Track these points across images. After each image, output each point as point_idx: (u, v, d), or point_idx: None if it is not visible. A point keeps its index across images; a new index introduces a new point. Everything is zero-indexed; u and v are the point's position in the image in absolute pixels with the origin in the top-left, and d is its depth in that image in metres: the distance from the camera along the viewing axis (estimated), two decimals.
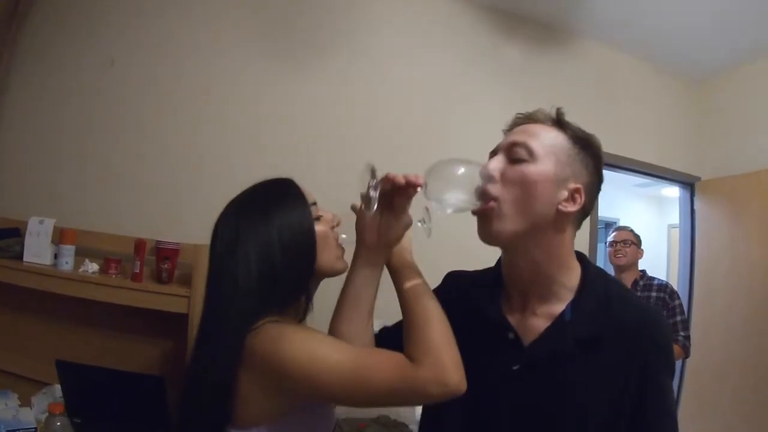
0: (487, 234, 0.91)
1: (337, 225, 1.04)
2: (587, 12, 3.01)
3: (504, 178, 0.90)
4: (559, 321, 0.90)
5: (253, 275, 0.91)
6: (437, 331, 0.85)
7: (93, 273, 1.87)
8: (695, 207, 3.73)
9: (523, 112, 0.99)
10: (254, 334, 0.86)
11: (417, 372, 0.80)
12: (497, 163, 0.92)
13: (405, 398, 0.84)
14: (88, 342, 1.94)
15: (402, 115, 2.67)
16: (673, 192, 5.81)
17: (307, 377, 0.83)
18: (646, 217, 6.27)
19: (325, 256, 0.99)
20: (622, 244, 2.95)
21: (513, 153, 0.91)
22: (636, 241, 3.00)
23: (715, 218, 3.58)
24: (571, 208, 0.89)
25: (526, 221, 0.88)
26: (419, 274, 0.96)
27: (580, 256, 0.99)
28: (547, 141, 0.91)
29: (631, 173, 3.57)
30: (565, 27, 3.16)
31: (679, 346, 2.60)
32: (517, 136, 0.93)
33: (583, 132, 0.95)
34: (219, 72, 2.31)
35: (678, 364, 3.32)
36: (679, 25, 3.07)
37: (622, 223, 4.94)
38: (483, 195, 0.88)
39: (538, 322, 0.92)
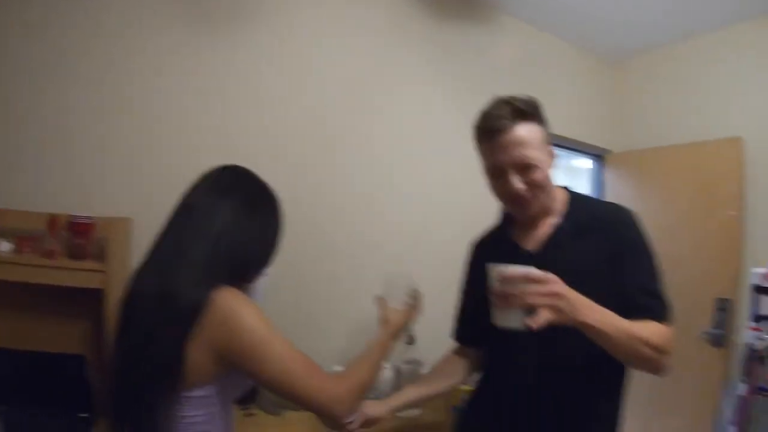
0: (525, 214, 1.34)
1: None
2: None
3: (527, 189, 1.26)
4: (555, 227, 1.31)
5: (240, 246, 1.07)
6: (367, 373, 1.15)
7: (5, 252, 1.79)
8: (605, 178, 4.00)
9: (498, 107, 1.29)
10: (220, 290, 0.97)
11: (334, 385, 1.04)
12: (519, 184, 1.25)
13: (317, 401, 1.02)
14: (3, 324, 1.86)
15: (322, 90, 2.58)
16: (583, 163, 6.17)
17: (257, 350, 0.97)
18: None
19: None
20: None
21: (523, 168, 1.23)
22: None
23: (623, 188, 3.85)
24: (554, 162, 1.32)
25: (545, 196, 1.30)
26: (391, 337, 1.31)
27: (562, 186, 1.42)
28: (538, 143, 1.25)
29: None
30: (489, 2, 3.20)
31: None
32: (517, 151, 1.22)
33: (535, 105, 1.31)
34: (130, 40, 2.12)
35: None
36: (597, 7, 3.21)
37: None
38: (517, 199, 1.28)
39: (542, 233, 1.34)
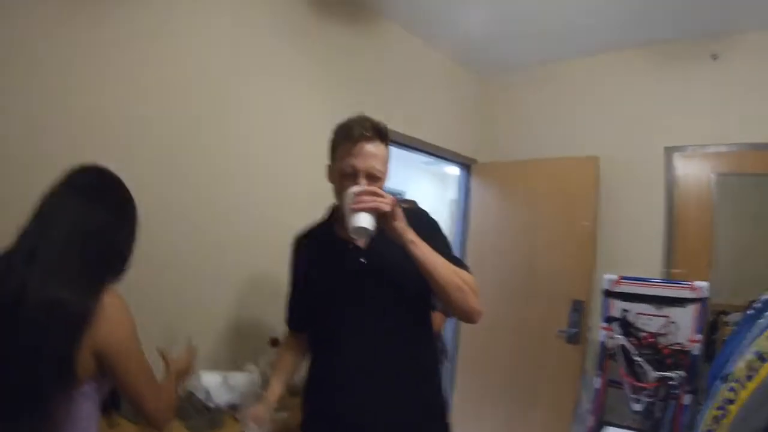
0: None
1: None
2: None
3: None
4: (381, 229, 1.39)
5: (124, 245, 1.21)
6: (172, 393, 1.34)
7: None
8: (471, 185, 4.16)
9: (361, 125, 1.43)
10: (106, 293, 1.09)
11: (166, 403, 1.25)
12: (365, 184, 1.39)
13: (164, 416, 1.24)
14: None
15: (189, 80, 2.33)
16: (454, 170, 6.45)
17: (123, 357, 1.11)
18: (431, 191, 6.89)
19: None
20: None
21: (370, 176, 1.41)
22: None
23: (487, 196, 4.04)
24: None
25: None
26: (173, 379, 1.42)
27: None
28: (385, 161, 1.46)
29: (418, 152, 3.77)
30: (371, 5, 3.17)
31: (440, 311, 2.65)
32: (371, 162, 1.41)
33: (387, 130, 1.47)
34: None
35: (451, 325, 3.90)
36: (474, 22, 3.32)
37: (408, 196, 5.33)
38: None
39: None
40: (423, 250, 1.34)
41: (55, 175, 1.19)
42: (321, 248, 1.59)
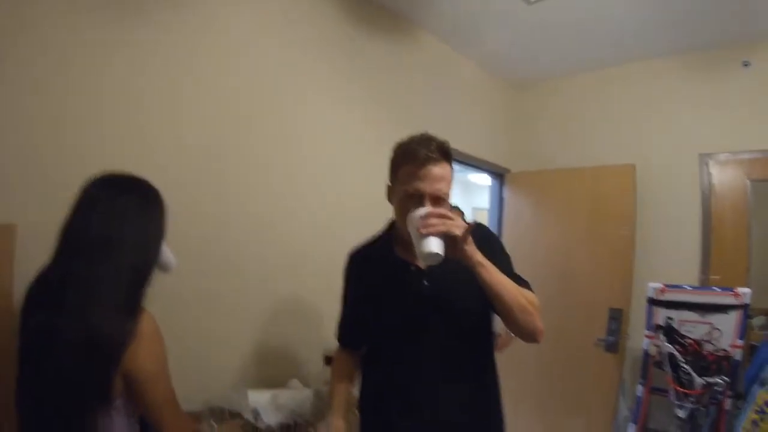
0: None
1: None
2: (435, 7, 3.10)
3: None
4: None
5: (147, 267, 1.18)
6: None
7: None
8: (504, 194, 4.21)
9: (426, 147, 1.38)
10: (140, 317, 1.10)
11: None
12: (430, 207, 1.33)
13: None
14: None
15: (231, 94, 2.30)
16: (478, 178, 6.54)
17: (150, 380, 1.12)
18: (455, 199, 6.83)
19: None
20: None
21: (435, 199, 1.36)
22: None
23: (521, 205, 4.08)
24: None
25: None
26: None
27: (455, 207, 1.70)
28: (449, 181, 1.41)
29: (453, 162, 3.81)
30: (407, 16, 3.21)
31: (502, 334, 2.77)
32: (437, 185, 1.37)
33: (450, 150, 1.43)
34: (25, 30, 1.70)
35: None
36: (507, 33, 3.38)
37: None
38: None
39: None
40: (491, 273, 1.29)
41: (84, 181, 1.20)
42: (379, 268, 1.53)
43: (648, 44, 3.44)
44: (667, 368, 2.85)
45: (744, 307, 2.72)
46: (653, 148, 3.56)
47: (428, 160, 1.35)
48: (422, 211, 1.28)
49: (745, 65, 3.24)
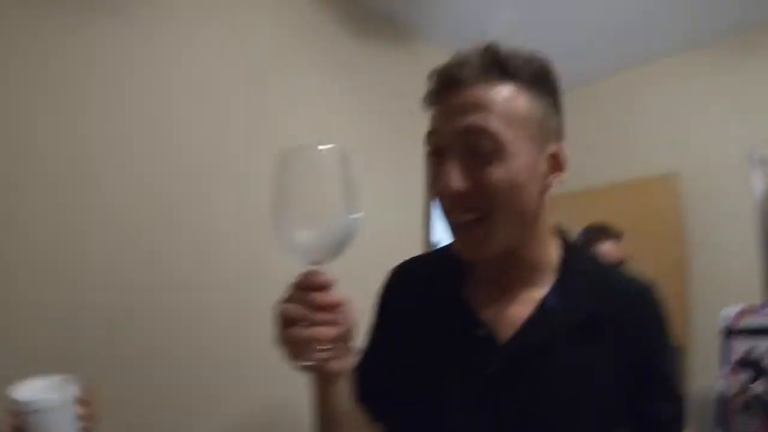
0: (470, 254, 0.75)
1: None
2: (434, 16, 2.85)
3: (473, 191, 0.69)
4: (542, 309, 0.74)
5: None
6: None
7: None
8: None
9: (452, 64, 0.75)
10: None
11: None
12: (456, 180, 0.68)
13: None
14: None
15: (207, 94, 2.07)
16: None
17: None
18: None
19: None
20: None
21: (472, 145, 0.68)
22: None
23: None
24: (556, 179, 0.74)
25: (514, 225, 0.72)
26: None
27: (556, 228, 0.82)
28: (511, 113, 0.68)
29: None
30: (408, 25, 2.95)
31: None
32: (473, 117, 0.68)
33: (533, 61, 0.73)
34: None
35: None
36: (523, 38, 2.99)
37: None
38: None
39: (516, 310, 0.75)
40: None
41: None
42: (431, 303, 0.83)
43: (681, 34, 3.06)
44: (760, 411, 2.32)
45: None
46: (697, 152, 3.11)
47: (456, 81, 0.70)
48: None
49: None
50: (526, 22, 2.84)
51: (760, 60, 2.95)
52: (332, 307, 0.61)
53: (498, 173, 0.67)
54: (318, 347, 0.59)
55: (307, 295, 0.60)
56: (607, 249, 2.50)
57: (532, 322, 0.73)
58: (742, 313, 2.45)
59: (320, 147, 0.61)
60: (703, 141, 3.10)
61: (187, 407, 1.83)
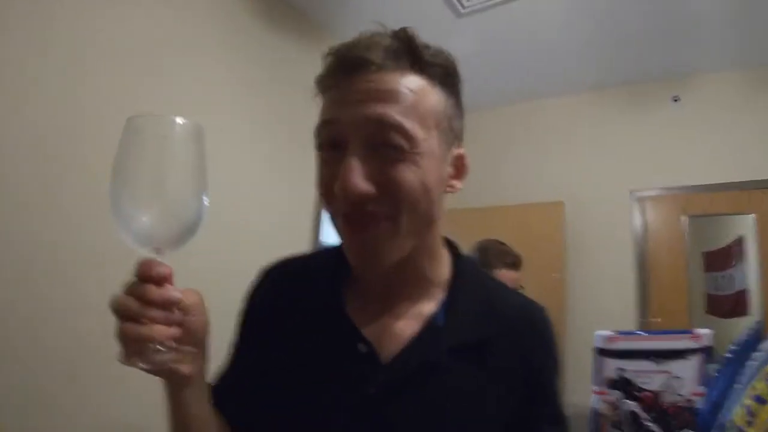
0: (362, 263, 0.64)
1: None
2: (355, 14, 2.82)
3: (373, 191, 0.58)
4: (429, 326, 0.66)
5: None
6: None
7: None
8: None
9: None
10: None
11: None
12: (356, 177, 0.57)
13: None
14: None
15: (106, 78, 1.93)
16: None
17: None
18: None
19: None
20: None
21: (380, 140, 0.58)
22: None
23: None
24: (459, 183, 0.68)
25: (417, 233, 0.63)
26: None
27: (446, 240, 0.74)
28: (424, 107, 0.60)
29: None
30: (328, 23, 2.91)
31: None
32: (378, 107, 0.57)
33: (443, 56, 0.64)
34: None
35: None
36: None
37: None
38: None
39: (402, 325, 0.67)
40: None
41: None
42: (306, 311, 0.71)
43: (578, 77, 3.31)
44: (628, 429, 2.46)
45: (704, 350, 2.42)
46: (583, 184, 3.35)
47: (358, 66, 0.59)
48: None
49: (675, 101, 3.17)
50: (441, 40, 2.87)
51: (648, 110, 3.25)
52: (167, 304, 0.51)
53: (408, 173, 0.58)
54: (156, 347, 0.50)
55: (143, 288, 0.50)
56: (503, 276, 2.54)
57: (418, 340, 0.65)
58: (614, 337, 2.60)
59: (175, 119, 0.51)
60: (590, 175, 3.34)
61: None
